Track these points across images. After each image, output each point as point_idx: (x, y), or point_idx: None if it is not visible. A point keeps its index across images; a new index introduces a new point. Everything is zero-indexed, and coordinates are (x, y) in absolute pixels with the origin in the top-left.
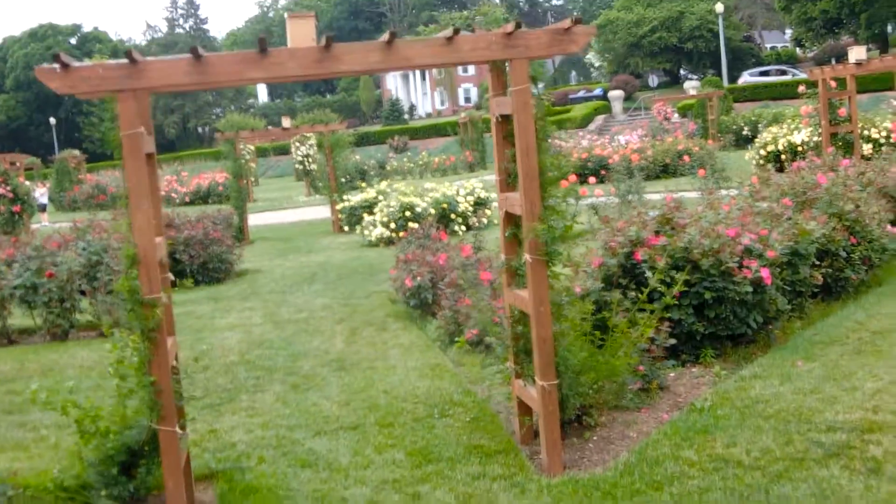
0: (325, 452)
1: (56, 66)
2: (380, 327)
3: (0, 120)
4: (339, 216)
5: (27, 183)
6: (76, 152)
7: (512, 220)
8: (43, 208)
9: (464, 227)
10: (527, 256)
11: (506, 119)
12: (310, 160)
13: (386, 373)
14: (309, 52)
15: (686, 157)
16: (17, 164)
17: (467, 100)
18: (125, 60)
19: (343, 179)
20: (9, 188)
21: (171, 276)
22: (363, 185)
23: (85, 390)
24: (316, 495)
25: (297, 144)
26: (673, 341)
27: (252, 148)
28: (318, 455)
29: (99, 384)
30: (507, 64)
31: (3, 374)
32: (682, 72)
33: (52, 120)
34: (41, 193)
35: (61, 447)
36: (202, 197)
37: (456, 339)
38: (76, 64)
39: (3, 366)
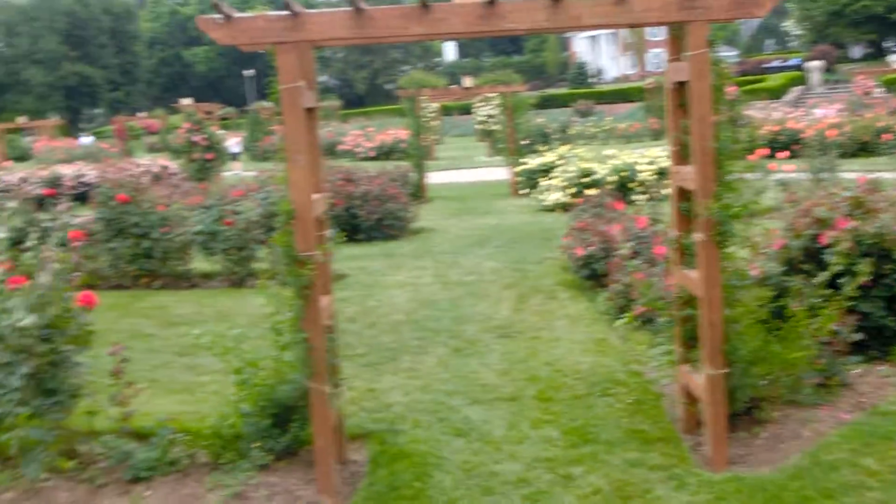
0: (479, 422)
1: (218, 16)
2: (548, 296)
3: (200, 71)
4: (517, 179)
5: (221, 132)
6: (268, 104)
7: (684, 196)
8: (235, 157)
9: (643, 197)
10: (698, 235)
11: (681, 86)
12: (492, 120)
13: (549, 344)
14: (472, 8)
15: (887, 136)
16: (213, 113)
17: (657, 65)
18: (286, 12)
19: (524, 142)
20: (203, 136)
21: (330, 233)
22: (543, 148)
23: (252, 339)
24: (466, 467)
25: (480, 104)
26: (860, 336)
27: (437, 106)
28: (473, 424)
29: (265, 334)
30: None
31: (181, 317)
32: (886, 44)
33: (248, 72)
34: (234, 143)
35: (223, 394)
36: (385, 153)
37: (624, 314)
38: (237, 15)
39: (182, 308)
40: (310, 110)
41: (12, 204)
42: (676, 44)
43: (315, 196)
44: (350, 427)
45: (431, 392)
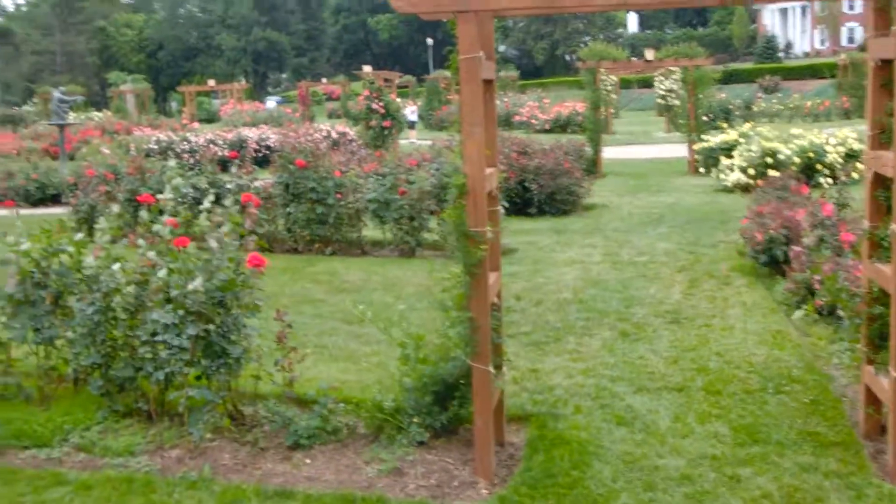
0: (643, 412)
1: None
2: (722, 281)
3: (383, 38)
4: (696, 156)
5: (399, 100)
6: (447, 73)
7: (881, 183)
8: (412, 125)
9: (830, 181)
10: (894, 227)
11: (886, 64)
12: (672, 95)
13: (722, 333)
14: None
15: None
16: (392, 81)
17: (850, 40)
18: None
19: (704, 118)
20: (381, 104)
21: (502, 209)
22: (725, 125)
23: (418, 310)
24: (627, 458)
25: (661, 78)
26: None
27: (615, 79)
28: (637, 414)
29: (432, 306)
30: None
31: (351, 284)
32: None
33: (430, 41)
34: (411, 111)
35: (386, 366)
36: (561, 125)
37: (804, 305)
38: None
39: (352, 275)
40: (488, 82)
41: (171, 163)
42: (883, 17)
43: (489, 170)
44: (510, 408)
45: (595, 376)
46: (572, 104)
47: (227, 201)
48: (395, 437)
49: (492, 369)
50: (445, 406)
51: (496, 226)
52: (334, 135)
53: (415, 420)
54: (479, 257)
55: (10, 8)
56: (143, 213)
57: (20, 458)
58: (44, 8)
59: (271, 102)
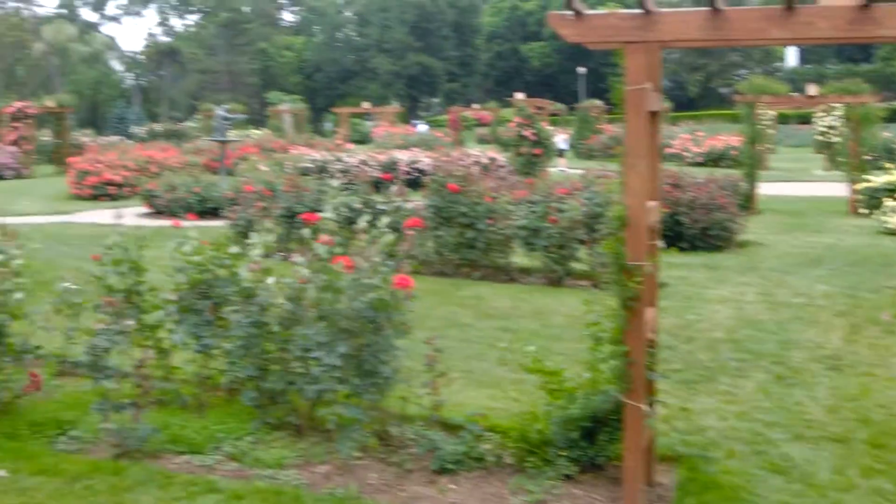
0: (801, 461)
1: (569, 13)
2: (886, 329)
3: (534, 66)
4: (857, 197)
5: (550, 128)
6: (598, 102)
7: None
8: (562, 154)
9: None
10: None
11: None
12: (833, 132)
13: (886, 383)
14: (844, 12)
15: None
16: (544, 109)
17: None
18: (638, 11)
19: (867, 157)
20: (532, 131)
21: (661, 243)
22: (890, 165)
23: (566, 340)
24: None
25: (821, 114)
26: None
27: (773, 114)
28: (794, 463)
29: (581, 336)
30: None
31: (499, 310)
32: None
33: (581, 69)
34: (562, 139)
35: (534, 395)
36: (714, 159)
37: None
38: (589, 12)
39: (499, 301)
40: (653, 113)
41: (335, 182)
42: None
43: (650, 203)
44: (660, 447)
45: (749, 420)
46: (726, 137)
47: (382, 221)
48: (542, 468)
49: (644, 407)
50: (594, 440)
51: (655, 260)
52: (485, 160)
53: (562, 453)
54: (635, 291)
55: (179, 28)
56: (305, 231)
57: (175, 463)
58: (210, 29)
59: (422, 126)
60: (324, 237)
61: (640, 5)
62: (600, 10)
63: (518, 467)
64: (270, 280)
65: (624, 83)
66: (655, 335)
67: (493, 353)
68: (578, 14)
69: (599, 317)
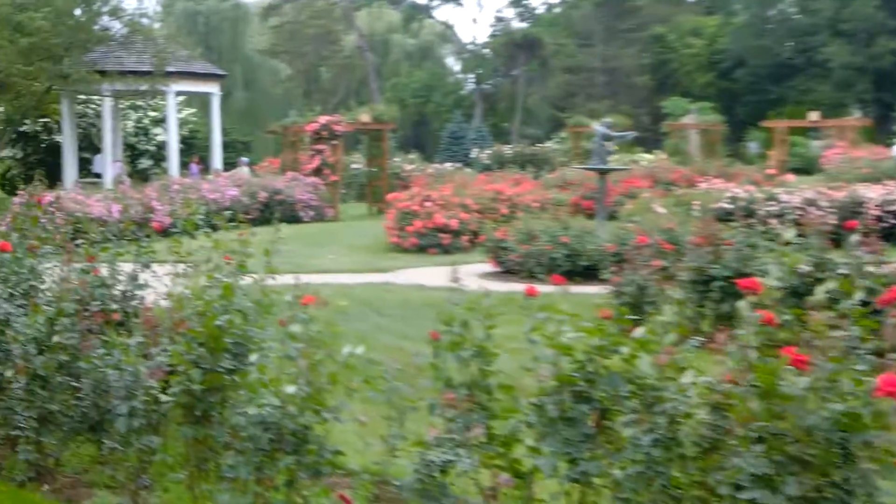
0: None
1: None
2: None
3: None
4: None
5: None
6: None
7: None
8: None
9: None
10: None
11: None
12: None
13: None
14: None
15: None
16: None
17: None
18: None
19: None
20: None
21: None
22: None
23: None
24: None
25: None
26: None
27: None
28: None
29: None
30: None
31: None
32: None
33: None
34: None
35: None
36: None
37: None
38: None
39: None
40: None
41: (788, 234)
42: None
43: None
44: None
45: None
46: None
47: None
48: None
49: None
50: None
51: None
52: None
53: None
54: None
55: (541, 10)
56: (741, 304)
57: None
58: (585, 8)
59: None
60: (764, 314)
61: None
62: None
63: None
64: (686, 379)
65: None
66: None
67: None
68: None
69: None
